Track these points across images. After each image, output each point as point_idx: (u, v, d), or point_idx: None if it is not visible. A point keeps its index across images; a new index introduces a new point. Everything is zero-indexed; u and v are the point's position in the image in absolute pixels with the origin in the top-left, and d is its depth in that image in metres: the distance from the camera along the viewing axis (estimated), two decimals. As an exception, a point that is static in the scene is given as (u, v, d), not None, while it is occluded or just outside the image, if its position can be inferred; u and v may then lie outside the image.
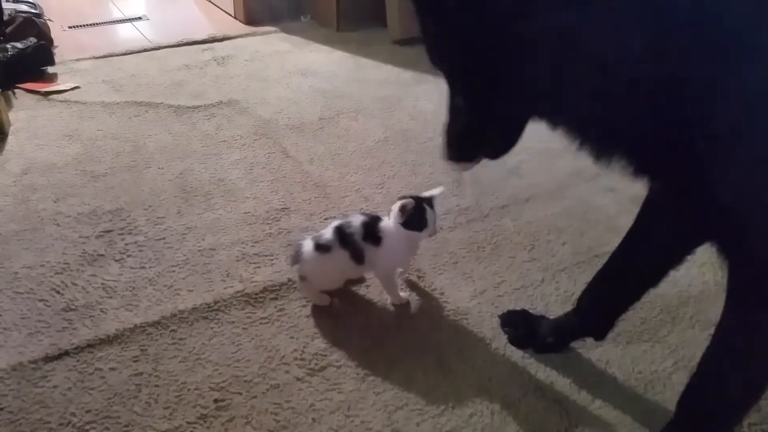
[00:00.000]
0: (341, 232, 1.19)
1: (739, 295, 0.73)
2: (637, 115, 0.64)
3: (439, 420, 1.03)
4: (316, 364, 1.13)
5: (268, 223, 1.51)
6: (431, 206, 1.20)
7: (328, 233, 1.20)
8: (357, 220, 1.21)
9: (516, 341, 1.16)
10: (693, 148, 0.64)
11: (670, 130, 0.64)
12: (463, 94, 0.76)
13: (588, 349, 1.15)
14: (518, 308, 1.24)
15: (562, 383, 1.08)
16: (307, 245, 1.20)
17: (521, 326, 1.18)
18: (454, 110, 0.79)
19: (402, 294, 1.26)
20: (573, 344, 1.16)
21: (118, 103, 2.11)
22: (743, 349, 0.76)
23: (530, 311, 1.22)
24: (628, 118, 0.65)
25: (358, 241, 1.19)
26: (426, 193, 1.22)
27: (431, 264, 1.37)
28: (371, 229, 1.20)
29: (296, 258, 1.22)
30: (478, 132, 0.79)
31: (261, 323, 1.22)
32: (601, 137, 0.70)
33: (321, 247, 1.19)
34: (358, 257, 1.19)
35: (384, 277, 1.24)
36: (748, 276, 0.71)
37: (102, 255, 1.39)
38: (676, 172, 0.69)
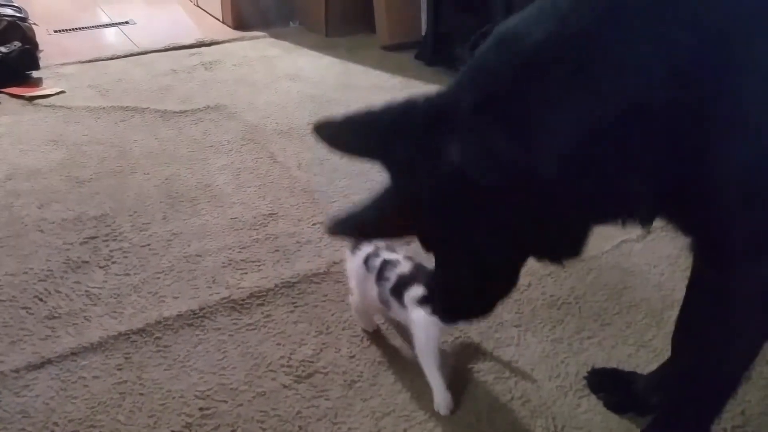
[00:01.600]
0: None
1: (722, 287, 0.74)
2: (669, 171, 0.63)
3: (426, 425, 1.02)
4: (303, 371, 1.12)
5: (255, 229, 1.50)
6: None
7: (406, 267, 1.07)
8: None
9: (615, 407, 1.04)
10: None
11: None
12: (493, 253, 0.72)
13: (574, 353, 1.15)
14: (604, 366, 1.11)
15: (548, 387, 1.08)
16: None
17: (617, 390, 1.06)
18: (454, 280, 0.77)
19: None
20: (560, 349, 1.16)
21: (103, 108, 2.09)
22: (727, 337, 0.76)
23: (619, 369, 1.10)
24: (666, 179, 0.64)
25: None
26: None
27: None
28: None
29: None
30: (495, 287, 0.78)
31: (247, 330, 1.21)
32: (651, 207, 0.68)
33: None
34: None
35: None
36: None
37: (86, 262, 1.38)
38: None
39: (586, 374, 1.10)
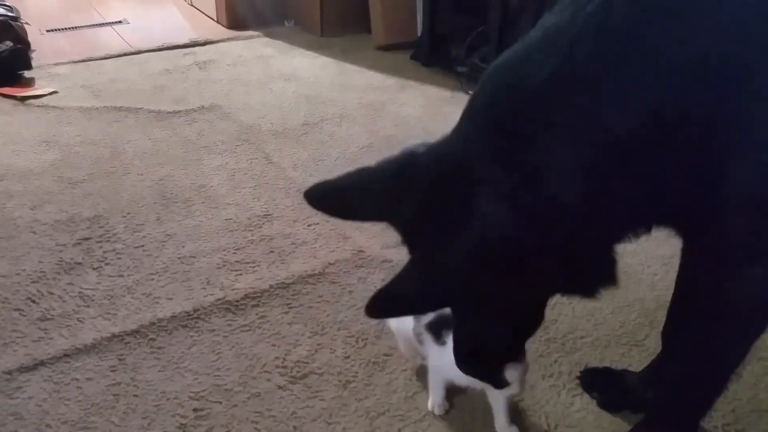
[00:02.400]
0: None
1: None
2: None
3: (421, 425, 1.03)
4: (297, 372, 1.12)
5: (250, 230, 1.50)
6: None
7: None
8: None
9: (607, 405, 1.04)
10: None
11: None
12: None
13: (567, 353, 1.16)
14: (597, 366, 1.11)
15: (541, 386, 1.09)
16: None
17: (610, 388, 1.06)
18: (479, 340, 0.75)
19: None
20: (553, 349, 1.17)
21: (97, 108, 2.08)
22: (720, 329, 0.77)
23: (612, 368, 1.10)
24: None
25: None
26: None
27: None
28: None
29: None
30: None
31: (242, 331, 1.21)
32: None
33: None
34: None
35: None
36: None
37: (79, 263, 1.37)
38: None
39: (579, 373, 1.10)
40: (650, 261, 1.38)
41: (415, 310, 0.79)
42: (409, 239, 0.71)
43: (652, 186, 0.63)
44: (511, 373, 0.86)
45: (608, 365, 1.13)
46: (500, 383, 0.85)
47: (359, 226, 1.46)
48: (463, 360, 0.80)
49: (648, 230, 0.70)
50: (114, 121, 2.01)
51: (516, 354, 0.82)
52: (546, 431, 1.01)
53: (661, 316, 1.25)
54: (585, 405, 1.05)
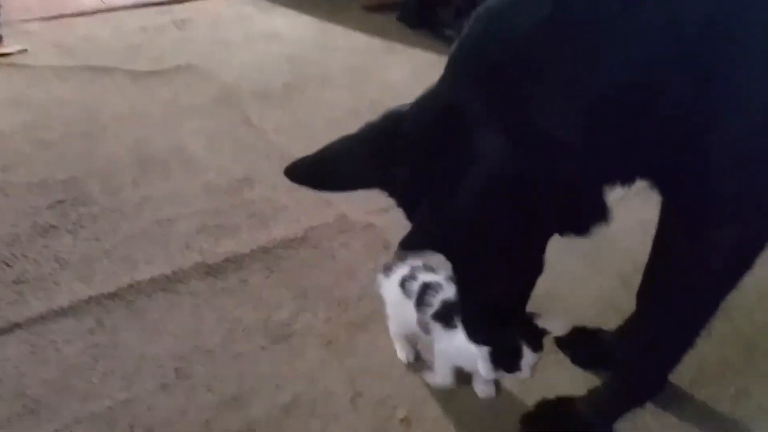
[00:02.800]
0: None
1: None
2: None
3: (402, 382, 1.04)
4: (280, 334, 1.13)
5: (229, 194, 1.48)
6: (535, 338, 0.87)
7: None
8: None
9: (581, 363, 1.07)
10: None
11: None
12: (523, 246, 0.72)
13: (544, 313, 1.18)
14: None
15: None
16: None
17: (584, 347, 1.09)
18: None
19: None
20: (529, 309, 1.18)
21: (69, 68, 2.00)
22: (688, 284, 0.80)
23: (586, 327, 1.11)
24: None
25: None
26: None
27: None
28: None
29: None
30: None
31: (223, 294, 1.21)
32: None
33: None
34: None
35: None
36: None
37: (54, 226, 1.34)
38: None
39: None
40: (629, 226, 1.40)
41: (433, 246, 0.77)
42: (407, 198, 0.71)
43: (642, 132, 0.64)
44: (526, 361, 0.86)
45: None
46: (512, 367, 0.86)
47: (341, 190, 1.45)
48: (471, 323, 0.80)
49: (635, 179, 0.72)
50: (88, 81, 1.94)
51: (520, 309, 0.82)
52: (521, 387, 1.04)
53: (637, 280, 1.27)
54: (559, 362, 1.08)
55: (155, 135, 1.69)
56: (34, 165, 1.53)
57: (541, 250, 0.77)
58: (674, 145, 0.65)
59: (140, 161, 1.57)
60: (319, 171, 0.74)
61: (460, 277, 0.78)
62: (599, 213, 0.70)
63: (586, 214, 0.70)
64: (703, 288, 0.78)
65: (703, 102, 0.62)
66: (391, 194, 0.72)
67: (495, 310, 0.80)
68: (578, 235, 0.73)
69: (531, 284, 0.81)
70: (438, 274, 0.99)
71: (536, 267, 0.78)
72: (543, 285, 1.27)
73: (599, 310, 1.20)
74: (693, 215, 0.73)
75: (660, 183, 0.74)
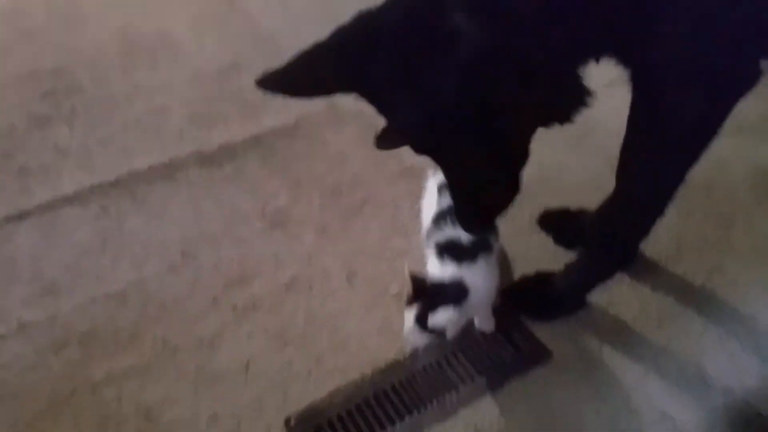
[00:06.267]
0: None
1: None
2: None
3: (394, 263, 1.10)
4: (278, 220, 1.18)
5: (218, 82, 1.45)
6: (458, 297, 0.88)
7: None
8: None
9: (563, 242, 1.09)
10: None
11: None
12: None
13: (531, 198, 1.19)
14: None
15: (504, 230, 1.14)
16: None
17: (566, 227, 1.11)
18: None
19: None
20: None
21: (40, -55, 1.86)
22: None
23: (569, 208, 1.12)
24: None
25: None
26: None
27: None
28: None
29: None
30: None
31: (220, 183, 1.24)
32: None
33: None
34: None
35: None
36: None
37: (49, 117, 1.34)
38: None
39: (538, 216, 1.16)
40: (619, 110, 1.38)
41: (417, 142, 0.78)
42: (383, 97, 0.70)
43: (600, 6, 0.63)
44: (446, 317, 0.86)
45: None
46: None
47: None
48: (464, 213, 0.82)
49: (601, 53, 0.72)
50: (62, -39, 1.81)
51: (511, 195, 0.83)
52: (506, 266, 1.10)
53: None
54: (542, 242, 1.13)
55: (138, 20, 1.62)
56: (19, 55, 1.50)
57: (525, 141, 0.78)
58: (630, 11, 0.65)
59: (126, 49, 1.53)
60: (293, 79, 0.74)
61: (447, 173, 0.80)
62: (578, 96, 0.70)
63: (565, 99, 0.71)
64: (669, 156, 0.80)
65: None
66: (366, 95, 0.72)
67: (485, 200, 0.82)
68: (561, 122, 0.73)
69: (517, 169, 0.83)
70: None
71: (521, 154, 0.80)
72: (530, 171, 1.29)
73: (585, 192, 1.22)
74: (656, 85, 0.74)
75: (622, 56, 0.74)
